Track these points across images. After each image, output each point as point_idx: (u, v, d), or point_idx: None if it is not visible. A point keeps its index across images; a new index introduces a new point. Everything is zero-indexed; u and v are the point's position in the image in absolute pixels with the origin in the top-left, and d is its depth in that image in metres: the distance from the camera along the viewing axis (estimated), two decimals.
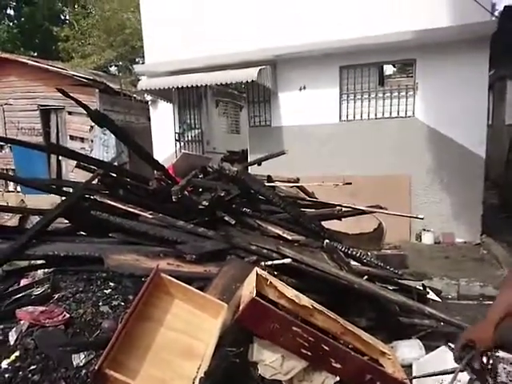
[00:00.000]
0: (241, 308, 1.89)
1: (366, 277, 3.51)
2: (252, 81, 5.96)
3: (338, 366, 2.03)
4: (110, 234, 2.52)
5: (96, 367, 1.40)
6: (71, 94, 2.67)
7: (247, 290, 2.10)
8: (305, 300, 2.37)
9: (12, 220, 6.75)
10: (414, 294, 3.57)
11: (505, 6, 11.40)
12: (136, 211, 2.64)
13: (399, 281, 3.62)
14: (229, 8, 6.68)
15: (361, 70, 6.21)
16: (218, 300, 1.83)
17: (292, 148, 6.91)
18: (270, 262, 2.56)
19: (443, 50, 5.63)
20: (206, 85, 6.77)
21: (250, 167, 7.03)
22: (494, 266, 4.74)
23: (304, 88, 6.56)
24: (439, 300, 3.85)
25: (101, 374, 1.38)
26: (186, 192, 3.59)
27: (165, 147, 7.53)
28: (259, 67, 6.07)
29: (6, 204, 8.24)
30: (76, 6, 14.83)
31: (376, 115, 6.24)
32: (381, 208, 3.75)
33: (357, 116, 6.37)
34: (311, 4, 6.13)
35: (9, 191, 10.20)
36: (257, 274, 2.23)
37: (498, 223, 6.31)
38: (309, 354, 2.01)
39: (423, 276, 4.40)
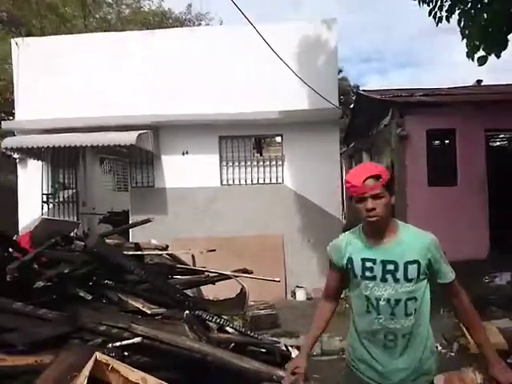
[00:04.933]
0: None
1: (232, 344, 3.56)
2: (131, 144, 5.98)
3: None
4: None
5: None
6: None
7: (81, 380, 1.95)
8: (152, 381, 2.28)
9: None
10: (278, 356, 3.74)
11: (356, 92, 13.75)
12: None
13: (265, 344, 3.75)
14: (108, 70, 6.78)
15: (237, 140, 6.81)
16: None
17: (176, 209, 6.98)
18: (117, 344, 2.43)
19: (304, 128, 6.59)
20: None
21: (131, 231, 6.78)
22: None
23: (187, 153, 6.83)
24: None
25: None
26: (35, 266, 3.27)
27: (32, 210, 6.79)
28: (139, 131, 6.16)
29: None
30: None
31: (252, 181, 6.79)
32: (246, 271, 3.95)
33: (236, 181, 6.83)
34: (192, 77, 6.64)
35: None
36: (95, 359, 2.09)
37: None
38: None
39: (292, 334, 4.65)
